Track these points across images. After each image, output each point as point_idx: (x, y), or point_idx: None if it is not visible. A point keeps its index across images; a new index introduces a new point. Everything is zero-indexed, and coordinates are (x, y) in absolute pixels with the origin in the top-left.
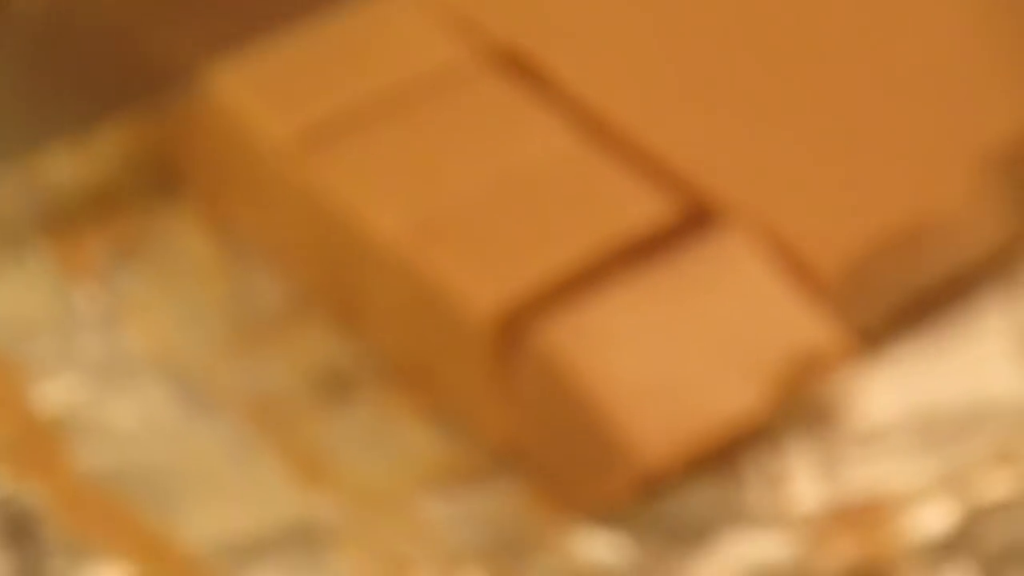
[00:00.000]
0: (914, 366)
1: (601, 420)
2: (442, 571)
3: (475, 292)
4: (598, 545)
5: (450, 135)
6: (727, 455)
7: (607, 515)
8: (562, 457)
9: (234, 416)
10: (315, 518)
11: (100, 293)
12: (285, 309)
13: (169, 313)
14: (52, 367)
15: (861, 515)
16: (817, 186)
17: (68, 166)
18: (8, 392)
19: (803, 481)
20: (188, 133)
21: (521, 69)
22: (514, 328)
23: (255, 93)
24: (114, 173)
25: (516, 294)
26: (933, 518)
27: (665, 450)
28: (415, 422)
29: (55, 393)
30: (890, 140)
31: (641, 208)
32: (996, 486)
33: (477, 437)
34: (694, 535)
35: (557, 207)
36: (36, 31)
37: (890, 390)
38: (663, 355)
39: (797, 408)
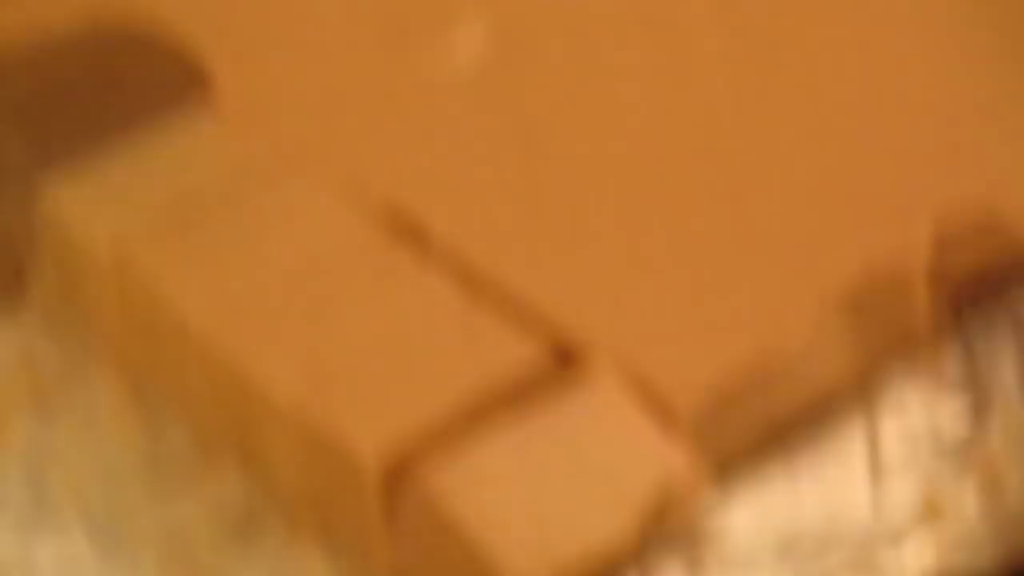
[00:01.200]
0: (774, 491)
1: (480, 557)
2: None
3: (360, 440)
4: None
5: (331, 286)
6: None
7: None
8: None
9: (151, 559)
10: None
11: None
12: (194, 453)
13: (87, 462)
14: None
15: None
16: (673, 326)
17: None
18: None
19: None
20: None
21: (409, 232)
22: (398, 472)
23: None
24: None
25: (399, 441)
26: None
27: None
28: (315, 559)
29: None
30: (740, 281)
31: (513, 353)
32: None
33: (370, 572)
34: None
35: (436, 356)
36: None
37: (753, 514)
38: (537, 493)
39: (663, 536)
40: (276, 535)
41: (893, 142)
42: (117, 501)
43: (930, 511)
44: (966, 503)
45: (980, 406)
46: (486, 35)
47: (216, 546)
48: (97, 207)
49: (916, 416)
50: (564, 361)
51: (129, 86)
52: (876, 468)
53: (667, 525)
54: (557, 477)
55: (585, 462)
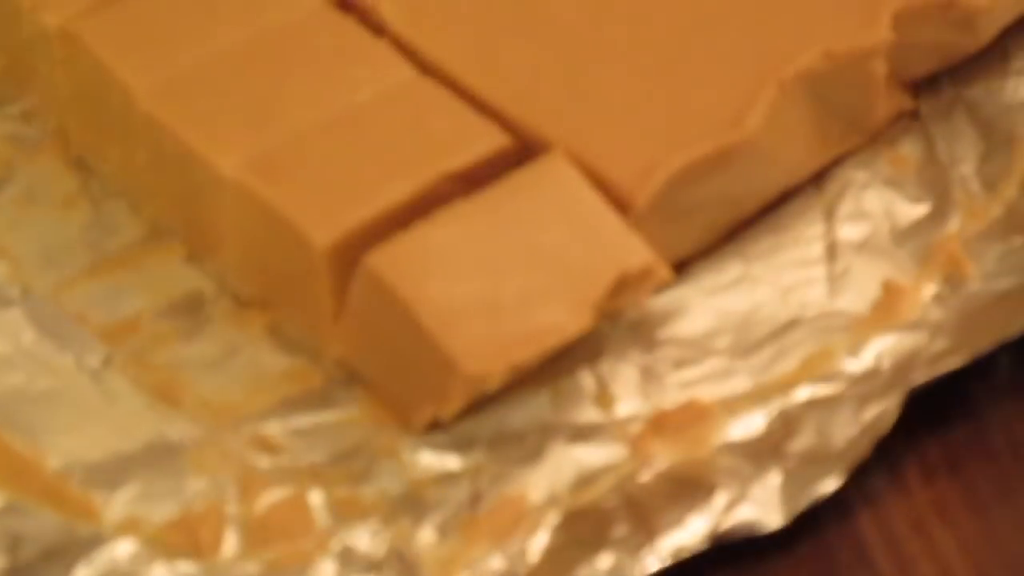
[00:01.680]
0: (732, 280)
1: (427, 338)
2: (286, 480)
3: (313, 223)
4: (434, 454)
5: (290, 74)
6: (552, 370)
7: (439, 428)
8: (396, 375)
9: (92, 343)
10: (169, 437)
11: None
12: (141, 239)
13: (30, 245)
14: None
15: (678, 420)
16: (626, 118)
17: None
18: None
19: (624, 390)
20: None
21: (361, 18)
22: (349, 256)
23: (113, 39)
24: None
25: (351, 224)
26: (745, 423)
27: (489, 365)
28: (262, 346)
29: None
30: (694, 70)
31: (471, 140)
32: (806, 389)
33: (319, 359)
34: (521, 445)
35: (392, 141)
36: None
37: (707, 306)
38: (490, 277)
39: (617, 326)
40: (223, 323)
41: None
42: (54, 276)
43: (888, 295)
44: (925, 290)
45: (940, 194)
46: None
47: (160, 333)
48: None
49: (874, 202)
50: (521, 151)
51: None
52: (832, 252)
53: (622, 316)
54: (512, 262)
55: (539, 247)
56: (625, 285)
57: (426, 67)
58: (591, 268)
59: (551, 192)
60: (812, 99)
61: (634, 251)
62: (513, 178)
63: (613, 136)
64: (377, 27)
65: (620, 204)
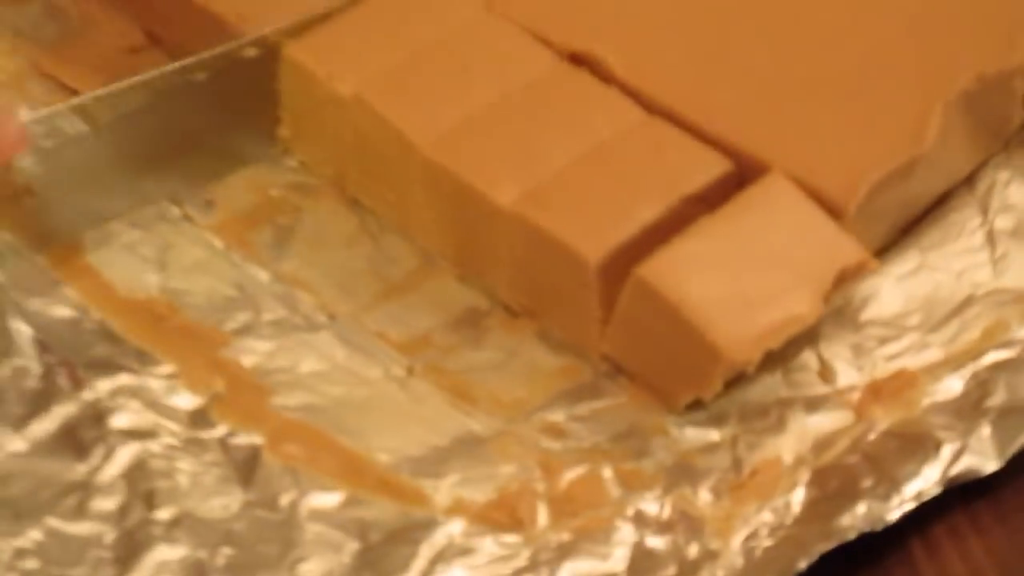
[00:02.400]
0: (914, 268)
1: (693, 331)
2: (579, 460)
3: (584, 244)
4: (696, 429)
5: (542, 121)
6: (782, 353)
7: (696, 407)
8: (660, 366)
9: (394, 356)
10: (473, 431)
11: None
12: (418, 266)
13: (327, 278)
14: (247, 331)
15: (890, 387)
16: (828, 139)
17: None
18: (216, 355)
19: (842, 365)
20: (330, 125)
21: (592, 70)
22: (613, 269)
23: (395, 101)
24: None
25: (615, 243)
26: (945, 386)
27: (745, 349)
28: (537, 349)
29: (253, 352)
30: (875, 94)
31: (702, 167)
32: (991, 355)
33: (585, 356)
34: (765, 417)
35: (636, 172)
36: None
37: (896, 290)
38: (738, 279)
39: (834, 311)
40: (499, 332)
41: None
42: (353, 302)
43: None
44: None
45: None
46: None
47: (448, 344)
48: (336, 56)
49: (1018, 196)
50: (743, 173)
51: None
52: (991, 239)
53: (836, 303)
54: (752, 264)
55: (774, 251)
56: (845, 277)
57: (652, 107)
58: (818, 265)
59: (778, 205)
60: (967, 114)
61: (850, 249)
62: (745, 196)
63: (820, 156)
64: (606, 76)
65: (833, 211)
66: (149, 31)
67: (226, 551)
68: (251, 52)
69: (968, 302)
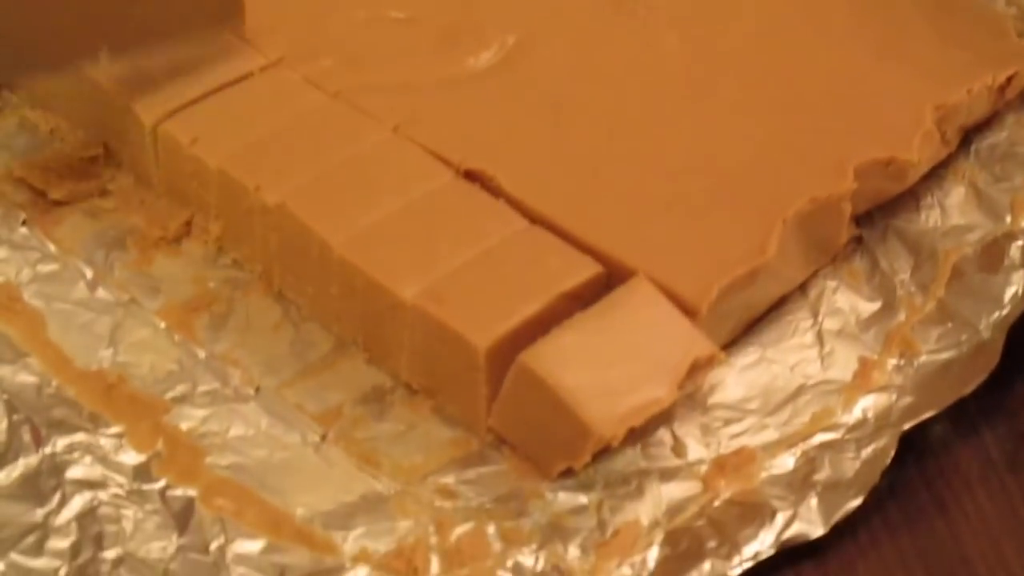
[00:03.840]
0: (754, 361)
1: (568, 411)
2: (467, 518)
3: (474, 333)
4: (567, 494)
5: (441, 226)
6: (645, 429)
7: (567, 475)
8: (538, 439)
9: (311, 425)
10: (377, 490)
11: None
12: (331, 349)
13: (255, 357)
14: (185, 400)
15: (733, 462)
16: (686, 250)
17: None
18: (158, 420)
19: (692, 442)
20: (257, 228)
21: (483, 185)
22: (499, 355)
23: (313, 208)
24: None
25: (501, 332)
26: (780, 462)
27: (611, 427)
28: (432, 422)
29: (189, 417)
30: (724, 214)
31: (576, 269)
32: (818, 436)
33: (474, 429)
34: (627, 484)
35: (520, 272)
36: None
37: (739, 379)
38: (604, 366)
39: (686, 396)
40: (399, 402)
41: (819, 114)
42: (276, 378)
43: (863, 368)
44: (888, 363)
45: (887, 295)
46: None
47: (354, 408)
48: (249, 159)
49: (843, 302)
50: (611, 275)
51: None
52: (820, 338)
53: (689, 389)
54: (618, 354)
55: (638, 343)
56: (697, 367)
57: (534, 217)
58: (674, 356)
59: (641, 305)
60: (803, 231)
61: (701, 343)
62: (614, 295)
63: (678, 263)
64: (495, 191)
65: (688, 310)
66: (107, 143)
67: None
68: None
69: (800, 391)
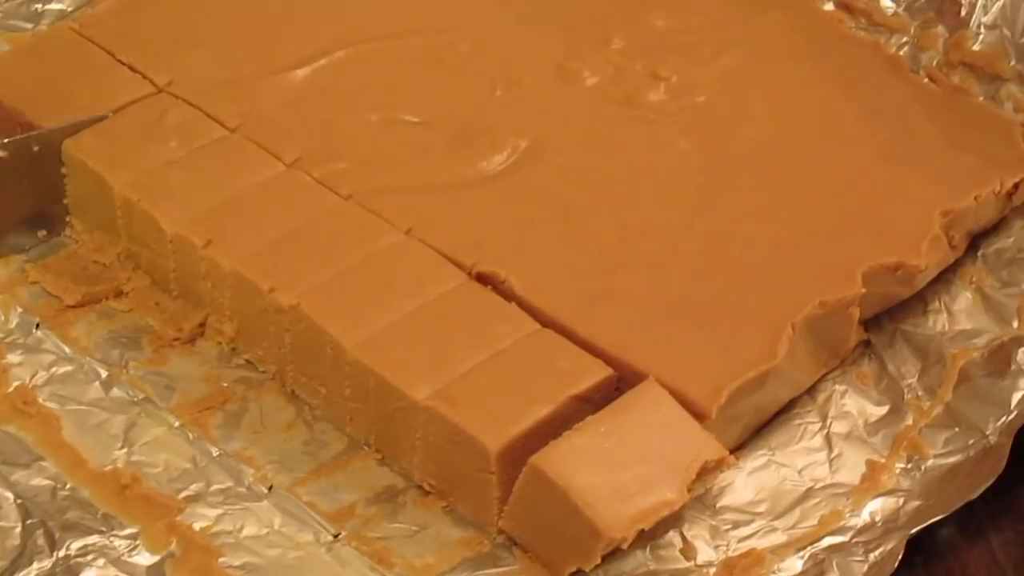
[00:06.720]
0: (763, 464)
1: (579, 513)
2: None
3: (486, 436)
4: None
5: (453, 329)
6: (655, 530)
7: (581, 575)
8: (549, 540)
9: (323, 524)
10: None
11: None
12: (344, 450)
13: (269, 456)
14: (198, 499)
15: (741, 565)
16: (696, 354)
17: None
18: (172, 519)
19: (701, 544)
20: (271, 329)
21: (495, 288)
22: (510, 457)
23: (327, 310)
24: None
25: (513, 435)
26: (789, 565)
27: (621, 529)
28: (444, 522)
29: (203, 517)
30: (735, 319)
31: (587, 372)
32: (827, 539)
33: (485, 530)
34: None
35: (532, 375)
36: None
37: (748, 482)
38: (615, 469)
39: (695, 498)
40: (412, 502)
41: (828, 218)
42: (289, 477)
43: (871, 471)
44: (896, 466)
45: (895, 398)
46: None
47: (367, 508)
48: (263, 261)
49: (851, 405)
50: (622, 378)
51: None
52: (829, 441)
53: (699, 490)
54: (629, 457)
55: (648, 446)
56: (706, 470)
57: (545, 321)
58: (683, 459)
59: (652, 408)
60: (811, 335)
61: (711, 446)
62: (624, 399)
63: (688, 367)
64: (507, 294)
65: (697, 414)
66: (126, 250)
67: None
68: None
69: (808, 494)
